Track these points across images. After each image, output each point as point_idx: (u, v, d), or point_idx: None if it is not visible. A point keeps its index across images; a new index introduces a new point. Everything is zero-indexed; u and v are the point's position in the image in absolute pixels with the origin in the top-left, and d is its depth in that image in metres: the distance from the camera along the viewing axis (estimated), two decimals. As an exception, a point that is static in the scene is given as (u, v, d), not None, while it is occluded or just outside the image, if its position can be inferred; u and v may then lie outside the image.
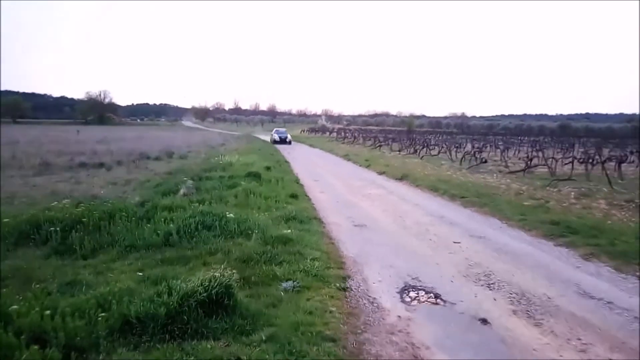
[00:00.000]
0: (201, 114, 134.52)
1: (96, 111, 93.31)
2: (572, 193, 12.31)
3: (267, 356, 3.49)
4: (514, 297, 5.16)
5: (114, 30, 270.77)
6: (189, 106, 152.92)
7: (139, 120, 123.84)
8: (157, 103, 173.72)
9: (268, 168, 16.81)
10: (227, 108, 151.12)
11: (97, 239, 6.58)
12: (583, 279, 5.81)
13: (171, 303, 3.87)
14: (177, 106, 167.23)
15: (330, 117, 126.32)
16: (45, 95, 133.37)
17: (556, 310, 4.82)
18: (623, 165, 19.01)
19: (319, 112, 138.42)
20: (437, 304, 5.01)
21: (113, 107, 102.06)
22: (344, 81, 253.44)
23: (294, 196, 11.25)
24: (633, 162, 21.10)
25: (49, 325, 3.28)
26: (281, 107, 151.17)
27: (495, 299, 5.11)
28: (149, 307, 3.82)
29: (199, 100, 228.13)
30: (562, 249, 7.19)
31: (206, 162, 19.02)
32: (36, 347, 2.83)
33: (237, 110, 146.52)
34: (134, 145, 29.17)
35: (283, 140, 40.61)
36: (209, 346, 3.58)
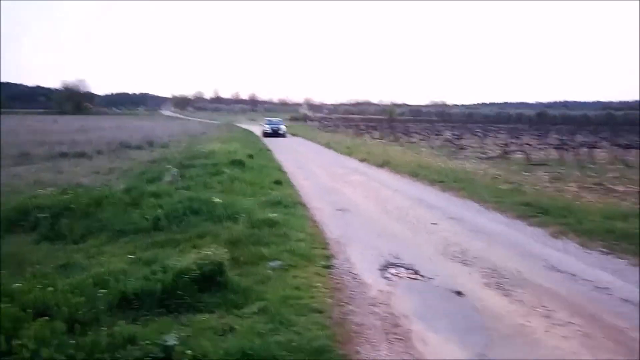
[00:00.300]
0: (181, 103, 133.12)
1: (73, 101, 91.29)
2: (546, 177, 12.84)
3: (259, 326, 3.76)
4: (487, 272, 5.51)
5: (91, 19, 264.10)
6: (168, 95, 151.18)
7: (116, 110, 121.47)
8: (137, 92, 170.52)
9: (251, 156, 16.97)
10: (207, 97, 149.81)
11: (87, 225, 6.74)
12: (551, 254, 6.22)
13: (166, 280, 4.11)
14: (156, 95, 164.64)
15: (311, 106, 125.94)
16: (19, 84, 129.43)
17: (525, 282, 5.19)
18: (595, 150, 19.74)
19: (300, 101, 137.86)
20: (415, 279, 5.34)
21: (90, 97, 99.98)
22: (326, 70, 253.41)
23: (277, 183, 11.48)
24: (603, 147, 21.89)
25: (52, 300, 3.48)
26: (262, 96, 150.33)
27: (469, 274, 5.47)
28: (145, 284, 4.05)
29: (179, 90, 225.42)
30: (533, 228, 7.61)
31: (188, 151, 19.08)
32: (46, 317, 3.03)
33: (217, 100, 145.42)
34: (113, 134, 28.89)
35: (276, 133, 33.83)
36: (204, 318, 3.85)
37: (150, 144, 23.25)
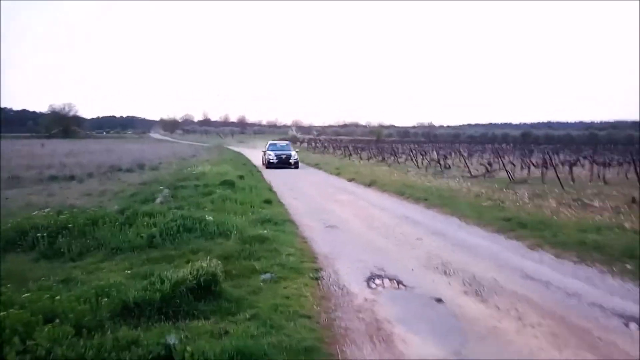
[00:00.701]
0: (170, 126, 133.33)
1: (60, 124, 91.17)
2: (526, 194, 13.29)
3: (252, 329, 4.06)
4: (466, 281, 5.87)
5: (76, 42, 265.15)
6: (157, 118, 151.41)
7: (104, 133, 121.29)
8: (124, 115, 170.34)
9: (241, 177, 17.28)
10: (196, 120, 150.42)
11: (84, 243, 6.98)
12: (527, 265, 6.60)
13: (164, 289, 4.39)
14: (144, 118, 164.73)
15: (300, 128, 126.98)
16: (5, 108, 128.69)
17: (501, 290, 5.55)
18: (575, 168, 20.40)
19: (289, 123, 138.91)
20: (398, 288, 5.67)
21: (78, 120, 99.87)
22: (314, 92, 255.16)
23: (268, 202, 11.80)
24: (584, 165, 22.62)
25: (59, 308, 3.75)
26: (251, 118, 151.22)
27: (449, 283, 5.81)
28: (145, 294, 4.33)
29: (167, 112, 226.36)
30: (512, 241, 8.01)
31: (179, 173, 19.35)
32: (57, 321, 3.30)
33: (206, 122, 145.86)
34: (103, 158, 29.11)
35: (284, 162, 24.17)
36: (200, 324, 4.13)
37: (141, 166, 23.49)
